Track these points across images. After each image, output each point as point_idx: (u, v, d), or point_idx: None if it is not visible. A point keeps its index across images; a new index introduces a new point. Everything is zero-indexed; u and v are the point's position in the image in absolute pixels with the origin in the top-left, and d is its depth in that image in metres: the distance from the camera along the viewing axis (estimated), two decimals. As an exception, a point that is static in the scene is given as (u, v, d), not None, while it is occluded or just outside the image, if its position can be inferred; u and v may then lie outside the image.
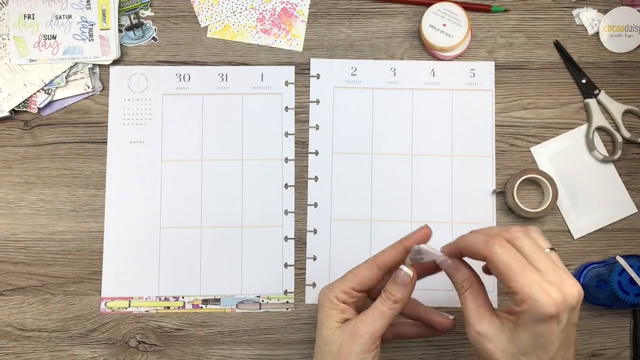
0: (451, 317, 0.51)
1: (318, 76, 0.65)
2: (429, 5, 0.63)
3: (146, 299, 0.62)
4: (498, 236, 0.44)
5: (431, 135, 0.64)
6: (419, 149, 0.64)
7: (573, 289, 0.42)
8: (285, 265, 0.62)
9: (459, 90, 0.64)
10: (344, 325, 0.48)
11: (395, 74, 0.65)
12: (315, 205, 0.63)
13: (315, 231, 0.63)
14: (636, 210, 0.63)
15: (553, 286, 0.41)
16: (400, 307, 0.48)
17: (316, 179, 0.63)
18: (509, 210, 0.63)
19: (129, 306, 0.62)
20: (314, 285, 0.62)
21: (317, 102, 0.65)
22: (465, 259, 0.48)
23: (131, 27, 0.65)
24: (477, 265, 0.48)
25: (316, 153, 0.64)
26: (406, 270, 0.48)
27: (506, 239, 0.44)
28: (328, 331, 0.49)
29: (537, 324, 0.42)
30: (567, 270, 0.43)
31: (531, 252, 0.43)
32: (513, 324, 0.43)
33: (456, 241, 0.47)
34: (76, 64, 0.64)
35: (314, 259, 0.62)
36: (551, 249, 0.45)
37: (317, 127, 0.64)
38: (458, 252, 0.47)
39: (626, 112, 0.64)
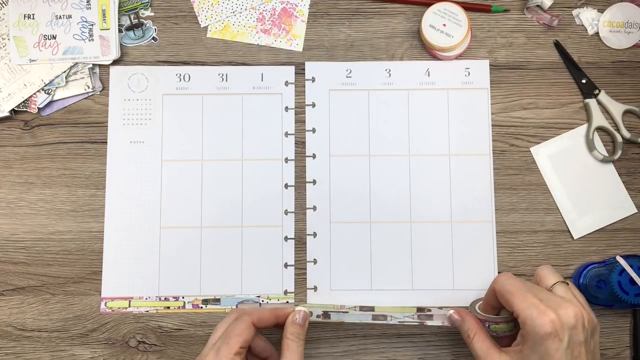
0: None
1: (313, 79, 0.65)
2: (429, 5, 0.63)
3: (146, 299, 0.62)
4: (505, 272, 0.53)
5: (428, 135, 0.64)
6: (416, 149, 0.64)
7: (569, 310, 0.47)
8: (285, 265, 0.62)
9: (455, 90, 0.64)
10: None
11: (390, 75, 0.65)
12: (314, 208, 0.63)
13: (315, 234, 0.63)
14: (636, 210, 0.63)
15: (549, 308, 0.47)
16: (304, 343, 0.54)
17: (314, 182, 0.63)
18: (509, 210, 0.63)
19: (129, 306, 0.62)
20: (315, 288, 0.62)
21: (313, 105, 0.65)
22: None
23: (131, 27, 0.65)
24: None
25: (313, 156, 0.64)
26: (302, 308, 0.55)
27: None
28: None
29: (540, 343, 0.47)
30: (574, 299, 0.49)
31: (531, 286, 0.51)
32: (521, 353, 0.49)
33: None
34: (76, 64, 0.64)
35: (315, 262, 0.62)
36: (562, 281, 0.51)
37: (313, 131, 0.64)
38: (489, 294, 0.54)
39: (626, 112, 0.64)
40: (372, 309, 0.59)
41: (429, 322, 0.57)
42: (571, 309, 0.47)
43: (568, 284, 0.51)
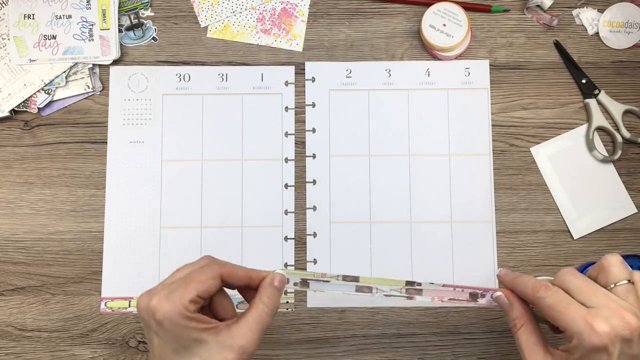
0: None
1: (313, 79, 0.65)
2: (429, 5, 0.63)
3: (146, 299, 0.62)
4: (544, 282, 0.46)
5: (428, 135, 0.64)
6: (416, 149, 0.64)
7: (624, 320, 0.42)
8: (286, 265, 0.62)
9: (455, 90, 0.64)
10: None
11: (390, 75, 0.65)
12: (315, 208, 0.63)
13: (315, 234, 0.63)
14: (636, 210, 0.63)
15: (600, 318, 0.42)
16: None
17: (314, 182, 0.63)
18: (509, 210, 0.63)
19: (129, 306, 0.62)
20: (314, 286, 0.62)
21: (313, 105, 0.65)
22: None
23: (131, 27, 0.65)
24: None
25: (314, 156, 0.64)
26: (281, 272, 0.48)
27: (555, 283, 0.46)
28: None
29: (588, 357, 0.42)
30: (634, 305, 0.43)
31: (579, 291, 0.44)
32: None
33: (512, 281, 0.49)
34: (76, 64, 0.64)
35: (315, 262, 0.62)
36: (627, 282, 0.44)
37: (313, 130, 0.64)
38: (511, 289, 0.49)
39: (626, 112, 0.64)
40: (356, 279, 0.51)
41: (418, 298, 0.51)
42: (627, 319, 0.42)
43: (634, 284, 0.45)
